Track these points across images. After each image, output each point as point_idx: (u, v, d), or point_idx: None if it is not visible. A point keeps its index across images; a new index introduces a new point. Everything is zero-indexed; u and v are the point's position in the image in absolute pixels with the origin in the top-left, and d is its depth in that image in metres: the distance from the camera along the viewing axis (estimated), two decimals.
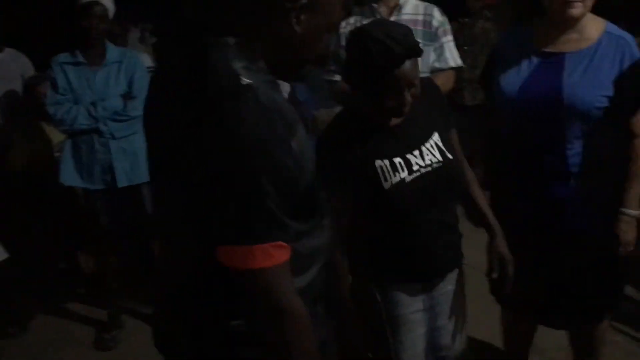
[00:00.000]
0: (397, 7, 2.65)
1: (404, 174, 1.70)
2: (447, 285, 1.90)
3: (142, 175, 3.08)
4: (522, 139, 2.11)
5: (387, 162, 1.71)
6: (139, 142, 3.08)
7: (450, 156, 1.78)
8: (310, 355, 1.06)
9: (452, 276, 1.90)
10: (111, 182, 3.06)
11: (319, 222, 1.15)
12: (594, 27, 2.02)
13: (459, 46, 2.88)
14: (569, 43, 2.02)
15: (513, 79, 2.09)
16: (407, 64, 1.59)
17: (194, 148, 0.98)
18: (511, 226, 2.03)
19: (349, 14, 2.75)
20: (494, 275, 1.89)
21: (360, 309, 1.73)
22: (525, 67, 2.07)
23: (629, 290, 2.34)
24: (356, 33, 1.67)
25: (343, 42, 2.64)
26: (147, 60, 3.76)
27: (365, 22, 2.59)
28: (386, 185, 1.69)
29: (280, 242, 1.00)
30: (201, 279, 1.10)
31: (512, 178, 2.17)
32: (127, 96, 3.05)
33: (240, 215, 0.97)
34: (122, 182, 3.07)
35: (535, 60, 2.06)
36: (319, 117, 3.62)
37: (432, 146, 1.76)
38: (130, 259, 3.35)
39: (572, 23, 1.99)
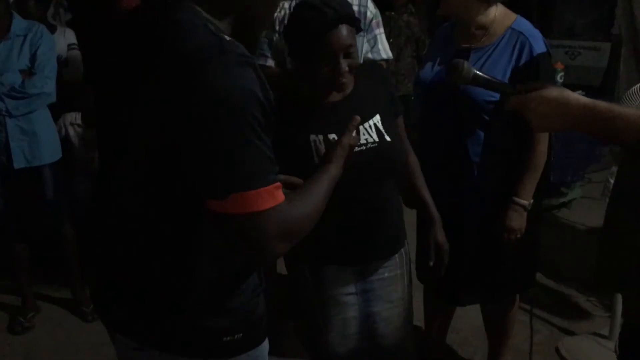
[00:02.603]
0: None
1: None
2: (385, 272, 1.88)
3: (43, 157, 2.95)
4: (431, 130, 2.21)
5: (321, 137, 1.70)
6: (39, 121, 2.96)
7: (388, 138, 1.77)
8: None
9: (392, 263, 1.89)
10: (7, 163, 2.88)
11: None
12: (501, 23, 2.10)
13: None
14: (477, 38, 2.12)
15: (428, 72, 2.19)
16: (342, 29, 1.62)
17: (175, 107, 1.00)
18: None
19: None
20: (431, 263, 1.90)
21: (292, 287, 1.75)
22: (439, 60, 2.17)
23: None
24: (296, 4, 1.71)
25: (277, 27, 2.66)
26: (71, 37, 3.63)
27: None
28: (317, 160, 1.67)
29: (279, 184, 1.06)
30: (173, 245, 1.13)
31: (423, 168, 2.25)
32: (27, 72, 2.89)
33: (242, 161, 1.01)
34: (19, 163, 2.90)
35: (449, 54, 2.12)
36: None
37: (370, 127, 1.76)
38: (36, 243, 3.19)
39: (477, 24, 2.10)
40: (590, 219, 3.98)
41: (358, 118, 1.53)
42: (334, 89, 1.74)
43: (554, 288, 3.30)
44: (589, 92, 4.42)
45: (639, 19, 4.82)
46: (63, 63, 3.38)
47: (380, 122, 1.78)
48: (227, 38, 1.03)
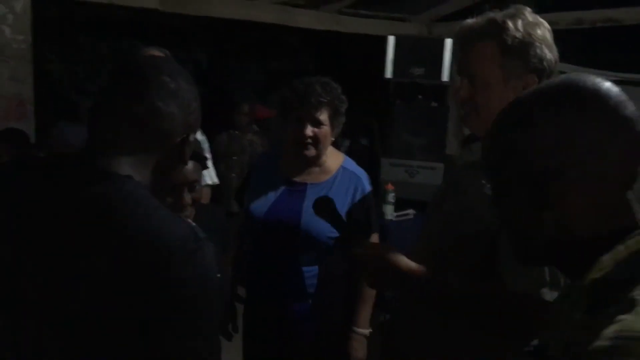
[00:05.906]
0: None
1: None
2: None
3: None
4: (266, 259, 2.20)
5: None
6: None
7: None
8: None
9: None
10: None
11: None
12: (332, 162, 2.24)
13: (229, 155, 2.95)
14: (311, 175, 2.21)
15: (261, 202, 2.21)
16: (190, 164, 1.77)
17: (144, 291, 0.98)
18: (258, 342, 2.17)
19: None
20: None
21: None
22: (272, 193, 2.21)
23: None
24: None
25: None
26: None
27: None
28: None
29: None
30: None
31: (257, 296, 2.26)
32: None
33: (204, 348, 1.05)
34: None
35: (282, 187, 2.21)
36: None
37: None
38: None
39: (310, 160, 2.18)
40: None
41: None
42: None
43: None
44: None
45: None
46: None
47: None
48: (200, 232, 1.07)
